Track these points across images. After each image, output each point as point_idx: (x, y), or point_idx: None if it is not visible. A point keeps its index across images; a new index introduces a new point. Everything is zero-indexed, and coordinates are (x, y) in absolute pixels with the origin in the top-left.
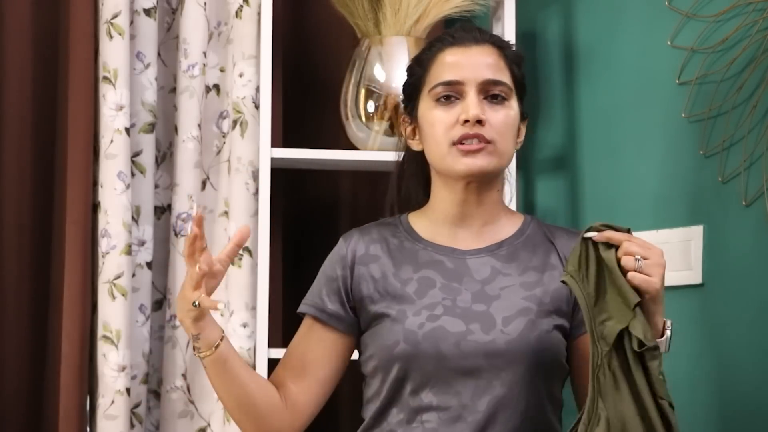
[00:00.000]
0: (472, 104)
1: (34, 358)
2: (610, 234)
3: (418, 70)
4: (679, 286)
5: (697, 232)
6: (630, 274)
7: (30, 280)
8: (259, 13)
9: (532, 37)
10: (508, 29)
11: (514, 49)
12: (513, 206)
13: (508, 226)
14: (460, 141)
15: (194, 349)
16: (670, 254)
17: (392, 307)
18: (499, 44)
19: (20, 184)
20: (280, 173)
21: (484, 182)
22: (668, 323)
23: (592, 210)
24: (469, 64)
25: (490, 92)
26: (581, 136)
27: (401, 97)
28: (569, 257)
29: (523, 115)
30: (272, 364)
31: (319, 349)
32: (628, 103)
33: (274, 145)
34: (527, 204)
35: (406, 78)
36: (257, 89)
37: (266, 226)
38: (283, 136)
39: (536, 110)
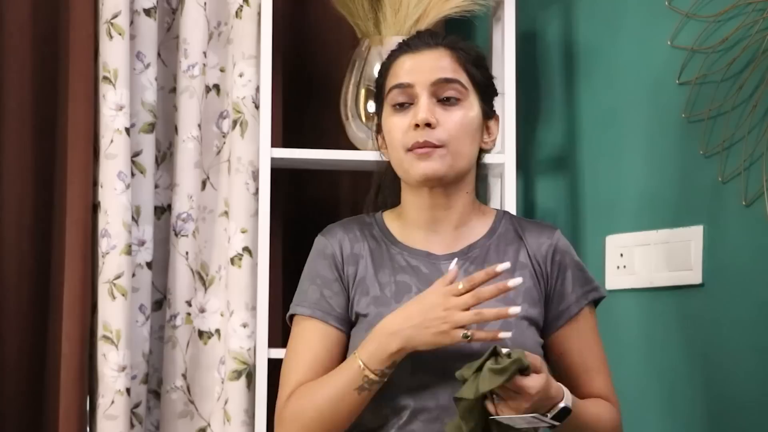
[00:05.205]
0: (422, 108)
1: (34, 358)
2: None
3: (379, 80)
4: (679, 286)
5: (696, 232)
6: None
7: (30, 280)
8: (259, 13)
9: (532, 37)
10: (508, 29)
11: (471, 50)
12: (512, 206)
13: (480, 227)
14: (413, 147)
15: (379, 372)
16: (669, 254)
17: (371, 309)
18: (453, 46)
19: (21, 184)
20: (280, 173)
21: (449, 186)
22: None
23: (592, 210)
24: (420, 67)
25: (442, 94)
26: (581, 136)
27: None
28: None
29: (489, 114)
30: (272, 364)
31: (338, 353)
32: (628, 103)
33: (274, 145)
34: (527, 204)
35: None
36: (257, 89)
37: (266, 226)
38: (283, 136)
39: (536, 110)
